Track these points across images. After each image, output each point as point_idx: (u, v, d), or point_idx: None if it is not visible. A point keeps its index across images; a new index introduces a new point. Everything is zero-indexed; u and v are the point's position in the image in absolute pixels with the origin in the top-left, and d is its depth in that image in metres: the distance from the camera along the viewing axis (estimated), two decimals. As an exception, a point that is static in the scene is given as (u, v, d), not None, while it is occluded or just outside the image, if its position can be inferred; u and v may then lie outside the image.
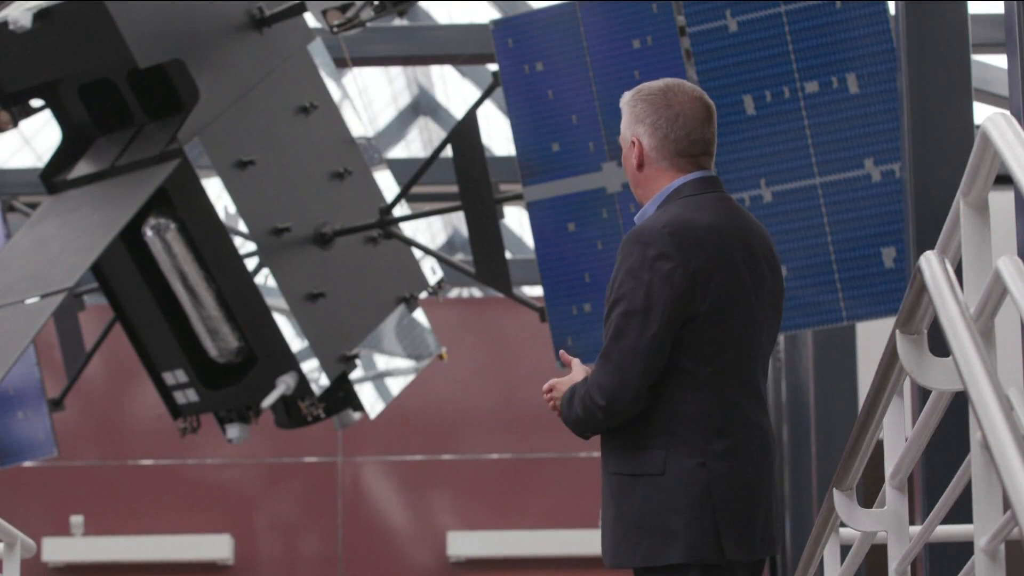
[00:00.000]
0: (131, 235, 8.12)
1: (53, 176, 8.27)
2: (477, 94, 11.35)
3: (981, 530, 2.87)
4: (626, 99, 3.87)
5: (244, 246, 8.28)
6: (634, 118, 3.82)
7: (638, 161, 3.82)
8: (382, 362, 9.06)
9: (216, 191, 8.19)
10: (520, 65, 8.30)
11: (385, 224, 8.79)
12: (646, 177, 3.82)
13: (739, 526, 3.68)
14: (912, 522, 4.03)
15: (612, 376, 3.64)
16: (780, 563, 14.23)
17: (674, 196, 3.77)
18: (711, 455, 3.67)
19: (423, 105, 17.30)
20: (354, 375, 8.68)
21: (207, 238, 8.12)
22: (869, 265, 7.58)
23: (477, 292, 18.08)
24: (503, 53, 8.33)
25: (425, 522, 15.53)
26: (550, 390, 3.87)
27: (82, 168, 8.21)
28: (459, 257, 16.08)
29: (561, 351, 4.09)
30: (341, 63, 9.79)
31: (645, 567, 3.66)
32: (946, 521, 3.64)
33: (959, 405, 3.12)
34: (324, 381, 8.50)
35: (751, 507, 3.70)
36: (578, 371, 3.84)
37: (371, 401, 8.91)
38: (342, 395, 8.70)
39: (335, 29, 8.24)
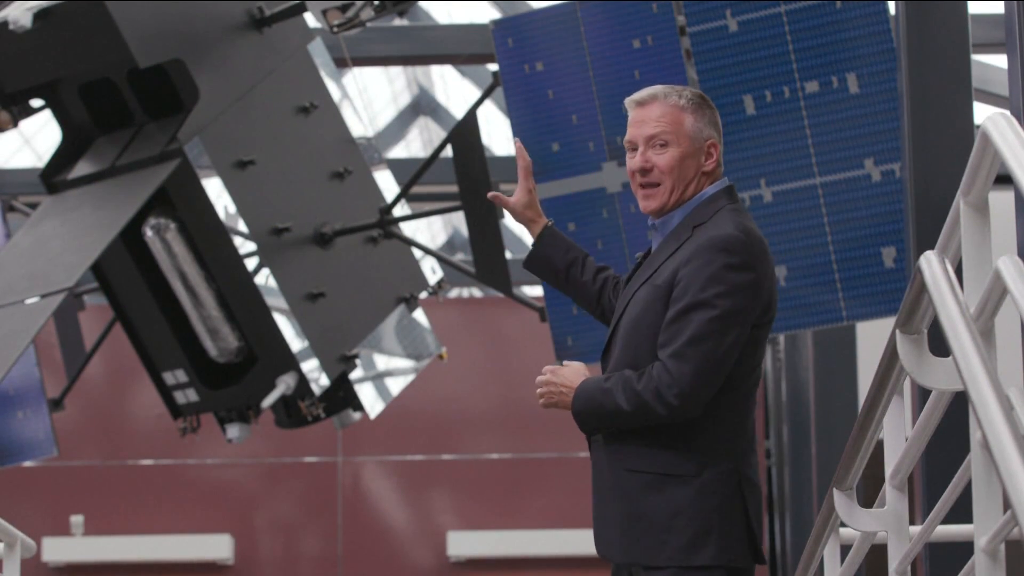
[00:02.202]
0: (131, 235, 8.12)
1: (53, 176, 8.27)
2: (477, 94, 11.35)
3: (981, 530, 2.87)
4: (695, 99, 3.86)
5: (244, 246, 8.28)
6: (710, 122, 3.85)
7: (715, 165, 3.84)
8: (382, 362, 9.06)
9: (216, 191, 8.19)
10: (520, 65, 8.30)
11: (385, 224, 8.79)
12: (702, 181, 3.83)
13: (759, 532, 3.74)
14: (912, 522, 4.03)
15: (690, 378, 3.63)
16: (780, 563, 14.23)
17: (713, 203, 3.81)
18: (741, 461, 3.73)
19: (423, 105, 17.30)
20: (354, 375, 8.68)
21: (207, 238, 8.12)
22: (869, 265, 7.58)
23: (477, 292, 18.07)
24: (503, 53, 8.33)
25: (425, 522, 15.53)
26: (547, 383, 3.83)
27: (82, 168, 8.21)
28: (459, 257, 16.08)
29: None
30: (341, 63, 9.79)
31: (674, 566, 3.66)
32: (946, 521, 3.64)
33: (959, 405, 3.12)
34: (324, 381, 8.50)
35: (761, 514, 3.78)
36: (579, 368, 3.84)
37: (371, 401, 8.91)
38: (342, 395, 8.70)
39: (335, 29, 8.24)
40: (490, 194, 4.14)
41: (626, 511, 3.72)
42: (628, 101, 3.91)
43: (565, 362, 3.88)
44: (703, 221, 3.77)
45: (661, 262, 3.78)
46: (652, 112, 3.84)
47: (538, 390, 3.83)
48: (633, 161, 3.86)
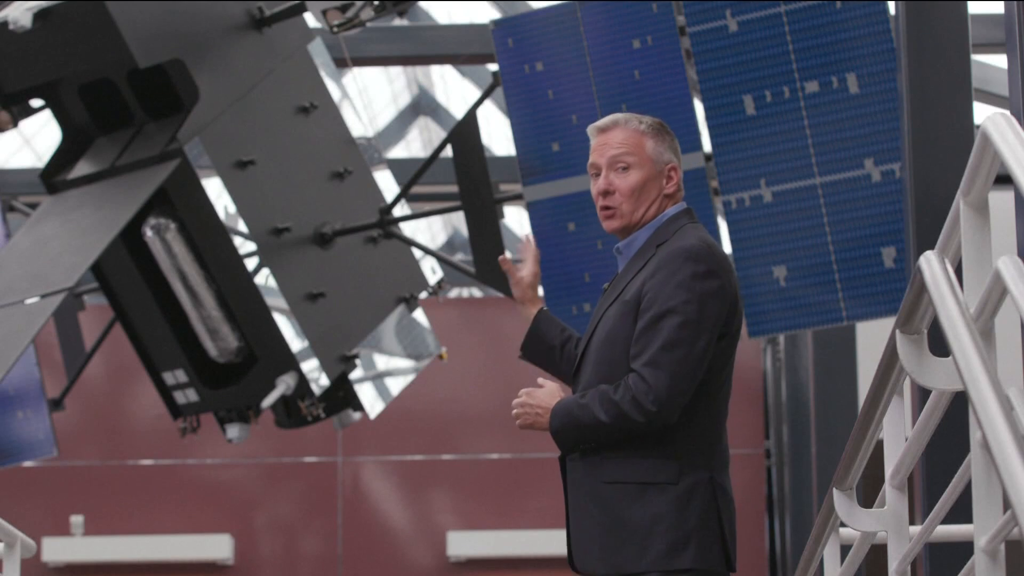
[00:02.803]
0: (131, 235, 8.12)
1: (53, 176, 8.27)
2: (477, 94, 11.34)
3: (981, 530, 2.86)
4: (655, 126, 3.98)
5: (244, 246, 8.28)
6: (669, 147, 3.97)
7: (675, 188, 3.95)
8: (382, 362, 9.06)
9: (216, 191, 8.19)
10: (520, 65, 8.30)
11: (385, 224, 8.80)
12: (664, 203, 3.94)
13: (733, 541, 3.81)
14: (912, 522, 4.03)
15: (666, 383, 3.69)
16: (780, 563, 14.23)
17: (677, 221, 3.92)
18: (715, 469, 3.80)
19: (423, 105, 17.29)
20: (354, 375, 8.68)
21: (207, 238, 8.12)
22: (869, 265, 7.58)
23: (477, 292, 18.07)
24: (503, 53, 8.33)
25: (425, 522, 15.53)
26: (523, 404, 3.86)
27: (82, 168, 8.21)
28: (459, 257, 16.08)
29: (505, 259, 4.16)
30: (341, 63, 9.79)
31: (655, 571, 3.70)
32: (946, 521, 3.64)
33: (959, 405, 3.12)
34: (324, 381, 8.50)
35: (734, 525, 3.85)
36: (554, 389, 3.87)
37: (371, 401, 8.91)
38: (342, 395, 8.70)
39: (335, 29, 8.24)
40: (501, 259, 4.22)
41: (606, 522, 3.75)
42: (591, 128, 4.03)
43: (540, 380, 3.91)
44: (666, 239, 3.87)
45: (628, 280, 3.87)
46: (614, 137, 3.96)
47: (513, 411, 3.87)
48: (597, 185, 3.99)
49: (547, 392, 3.86)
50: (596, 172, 4.00)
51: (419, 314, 9.15)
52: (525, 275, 4.22)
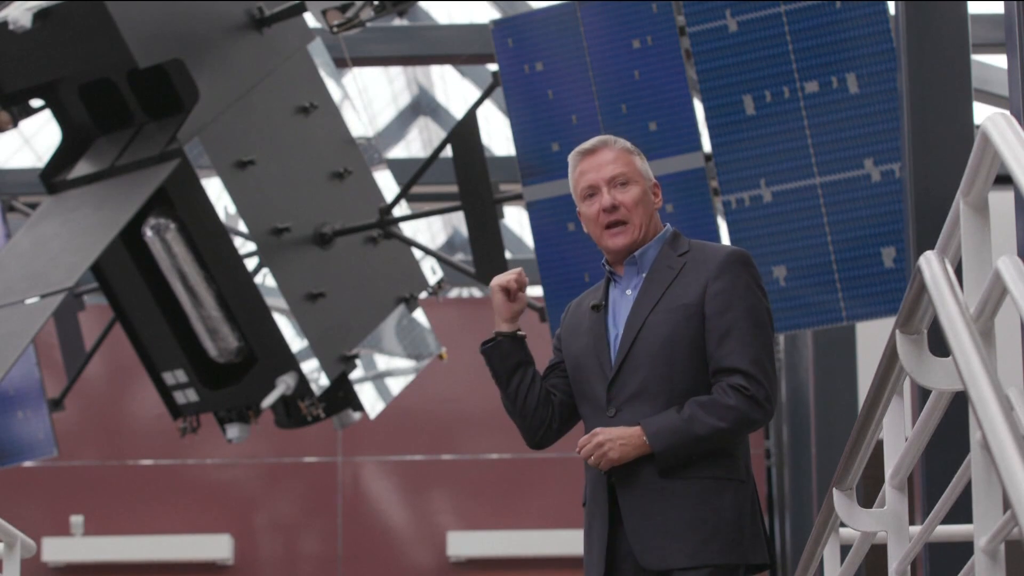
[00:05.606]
0: (131, 235, 8.12)
1: (53, 176, 8.27)
2: (477, 94, 11.35)
3: (981, 530, 2.86)
4: (632, 146, 4.02)
5: (244, 246, 8.29)
6: (646, 165, 4.01)
7: (660, 203, 4.02)
8: (382, 362, 9.06)
9: (216, 191, 8.19)
10: (520, 65, 8.30)
11: (385, 224, 8.80)
12: (655, 218, 4.00)
13: None
14: (912, 522, 4.04)
15: (771, 378, 3.82)
16: (780, 563, 14.23)
17: (678, 237, 3.98)
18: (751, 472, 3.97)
19: (423, 105, 17.29)
20: (354, 375, 8.68)
21: (207, 238, 8.12)
22: (869, 265, 7.58)
23: (477, 292, 18.06)
24: (503, 53, 8.33)
25: (425, 522, 15.53)
26: (599, 444, 3.77)
27: (82, 168, 8.21)
28: (459, 257, 16.07)
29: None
30: (341, 63, 9.80)
31: (743, 563, 3.80)
32: (946, 521, 3.64)
33: (959, 405, 3.12)
34: (324, 381, 8.50)
35: None
36: (615, 428, 3.82)
37: (371, 401, 8.91)
38: (342, 395, 8.70)
39: (335, 29, 8.24)
40: (520, 271, 4.18)
41: (691, 516, 3.77)
42: (576, 153, 4.02)
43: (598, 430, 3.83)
44: (686, 250, 3.93)
45: (665, 288, 3.88)
46: (606, 156, 3.98)
47: (589, 457, 3.77)
48: (600, 201, 3.97)
49: (613, 429, 3.78)
50: (591, 193, 3.99)
51: (419, 314, 9.16)
52: (522, 298, 4.26)
